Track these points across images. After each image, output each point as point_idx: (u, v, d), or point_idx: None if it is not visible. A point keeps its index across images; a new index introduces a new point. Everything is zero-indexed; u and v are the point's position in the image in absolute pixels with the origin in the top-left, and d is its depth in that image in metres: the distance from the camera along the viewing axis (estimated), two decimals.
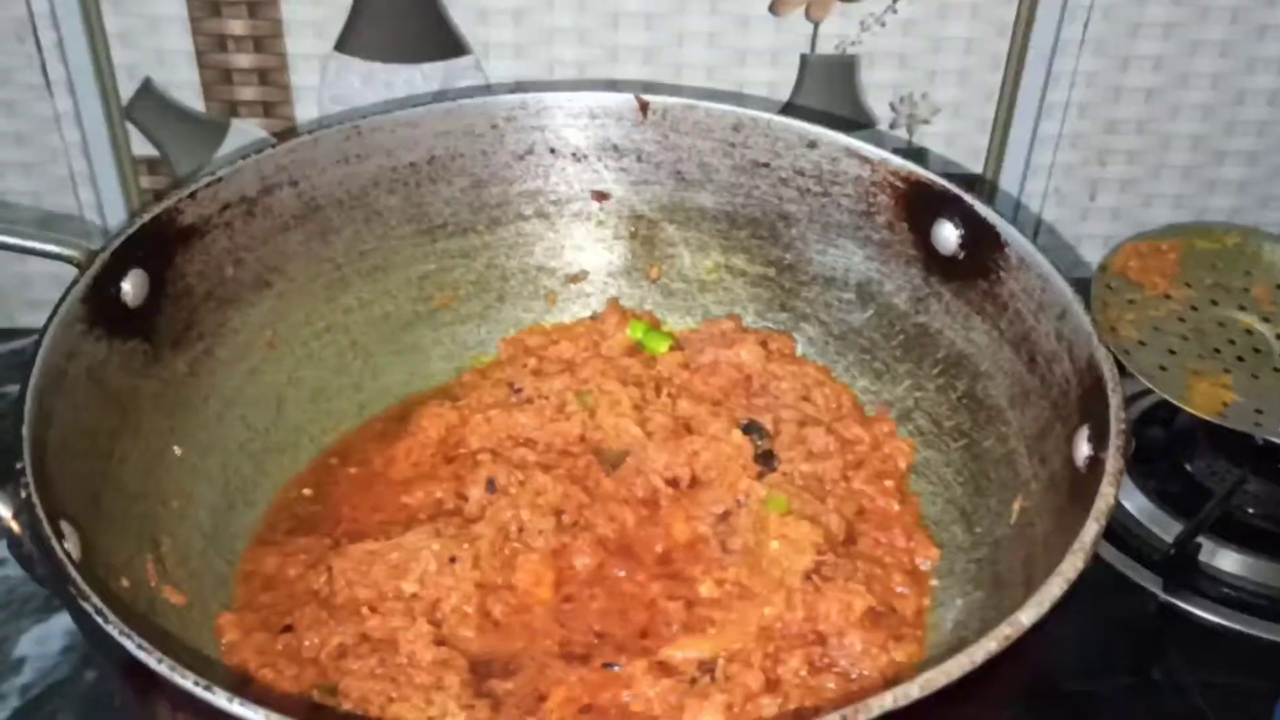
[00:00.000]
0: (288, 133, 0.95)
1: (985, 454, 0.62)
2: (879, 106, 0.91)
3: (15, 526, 0.46)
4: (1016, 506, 0.58)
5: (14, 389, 0.94)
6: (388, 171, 0.70)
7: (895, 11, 0.85)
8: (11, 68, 0.92)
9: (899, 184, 0.66)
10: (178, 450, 0.61)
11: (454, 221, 0.73)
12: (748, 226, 0.73)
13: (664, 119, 0.72)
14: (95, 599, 0.42)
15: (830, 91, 0.92)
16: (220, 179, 0.63)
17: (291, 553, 0.62)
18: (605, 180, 0.74)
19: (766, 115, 0.70)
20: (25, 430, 0.48)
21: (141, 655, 0.41)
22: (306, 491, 0.67)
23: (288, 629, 0.57)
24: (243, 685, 0.53)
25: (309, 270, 0.69)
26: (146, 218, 0.60)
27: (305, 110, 0.96)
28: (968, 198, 0.63)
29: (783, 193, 0.71)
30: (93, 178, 0.96)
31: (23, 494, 0.46)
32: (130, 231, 0.59)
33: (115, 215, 0.97)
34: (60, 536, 0.46)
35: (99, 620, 0.42)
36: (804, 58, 0.86)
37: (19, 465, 0.47)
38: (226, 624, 0.57)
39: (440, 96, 0.94)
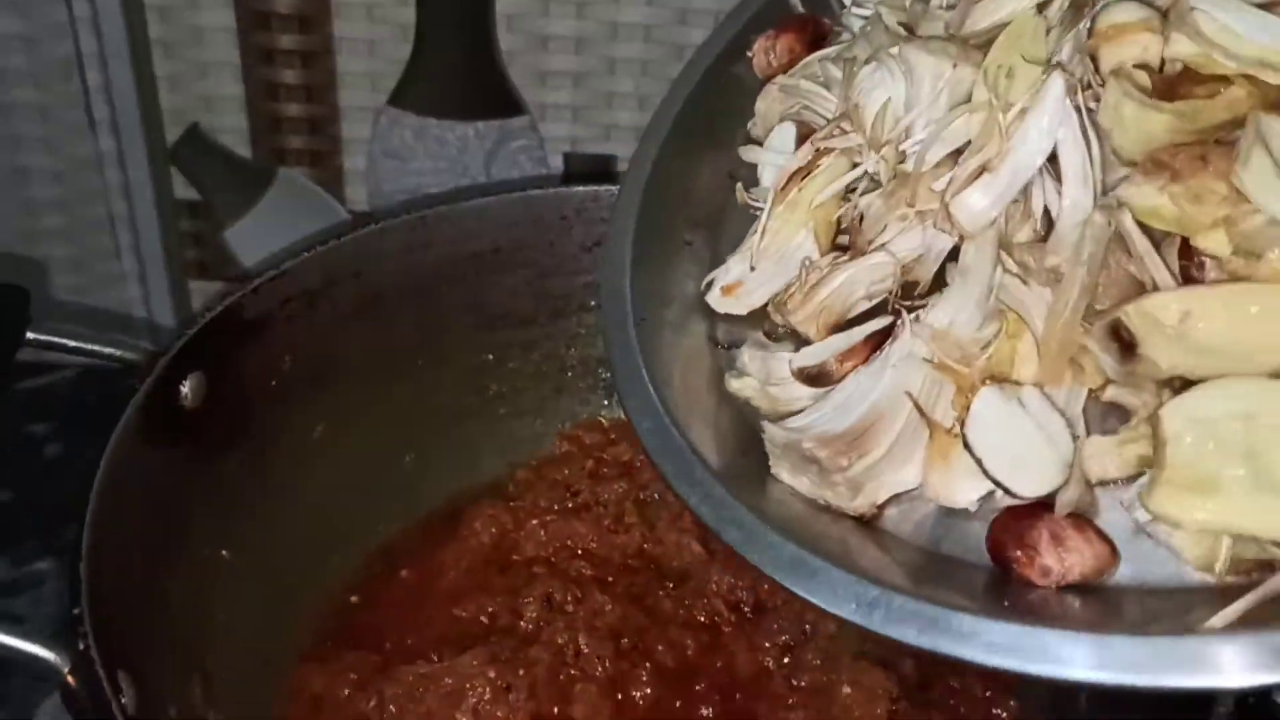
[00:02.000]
0: (332, 181, 0.93)
1: None
2: None
3: (71, 681, 0.43)
4: None
5: (39, 428, 0.94)
6: (450, 262, 0.68)
7: None
8: (53, 105, 0.90)
9: None
10: (226, 554, 0.59)
11: (515, 312, 0.70)
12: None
13: None
14: None
15: None
16: (284, 272, 0.61)
17: (339, 671, 0.59)
18: None
19: None
20: (83, 569, 0.46)
21: None
22: (354, 599, 0.64)
23: None
24: None
25: (365, 362, 0.67)
26: (209, 317, 0.57)
27: (354, 161, 0.93)
28: None
29: None
30: (132, 220, 0.93)
31: (80, 645, 0.44)
32: (192, 333, 0.56)
33: (153, 258, 0.95)
34: (119, 693, 0.43)
35: None
36: None
37: (75, 611, 0.45)
38: None
39: (492, 157, 0.91)
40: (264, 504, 0.62)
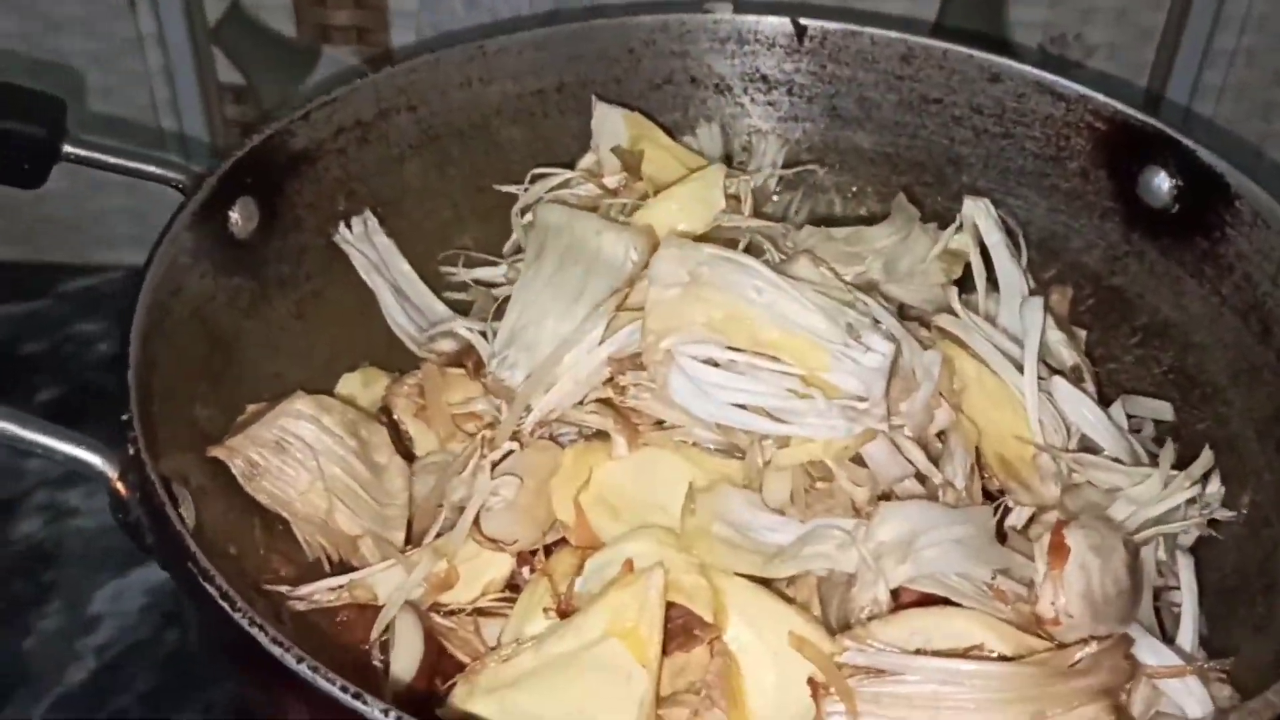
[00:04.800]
0: (382, 58, 0.89)
1: (1198, 437, 0.54)
2: (1027, 44, 0.83)
3: (121, 488, 0.39)
4: (1245, 500, 0.50)
5: (89, 327, 0.91)
6: (512, 99, 0.63)
7: None
8: None
9: (1100, 125, 0.58)
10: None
11: (581, 155, 0.65)
12: (910, 171, 0.65)
13: (822, 47, 0.64)
14: (220, 581, 0.36)
15: (975, 25, 0.84)
16: (335, 99, 0.56)
17: None
18: (750, 115, 0.67)
19: (942, 45, 0.62)
20: (130, 376, 0.42)
21: (278, 652, 0.34)
22: None
23: None
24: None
25: (423, 207, 0.62)
26: (257, 139, 0.53)
27: (401, 37, 0.89)
28: (1188, 142, 0.55)
29: (955, 133, 0.63)
30: (175, 105, 0.89)
31: (130, 450, 0.40)
32: (240, 154, 0.52)
33: (198, 147, 0.91)
34: (175, 502, 0.39)
35: (226, 608, 0.35)
36: None
37: (124, 416, 0.41)
38: None
39: (554, 18, 0.86)
40: (320, 353, 0.58)
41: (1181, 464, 0.52)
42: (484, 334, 0.54)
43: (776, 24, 0.64)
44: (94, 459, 0.40)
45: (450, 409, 0.54)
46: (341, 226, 0.58)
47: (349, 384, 0.57)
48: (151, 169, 0.51)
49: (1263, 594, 0.46)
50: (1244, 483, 0.51)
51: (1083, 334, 0.59)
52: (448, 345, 0.55)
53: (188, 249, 0.49)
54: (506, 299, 0.53)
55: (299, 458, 0.48)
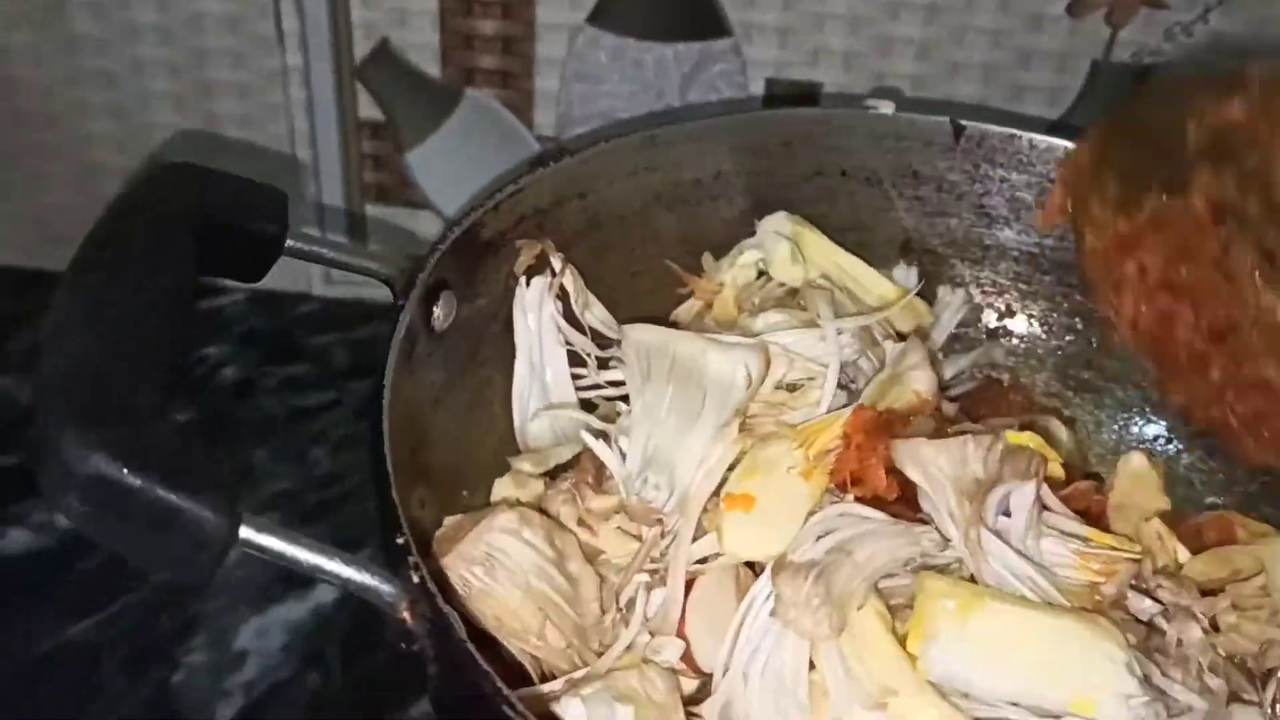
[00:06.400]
0: (521, 104, 0.90)
1: None
2: None
3: (409, 618, 0.39)
4: None
5: (215, 350, 0.93)
6: (671, 187, 0.65)
7: (1207, 21, 0.77)
8: (243, 18, 0.88)
9: None
10: (465, 494, 0.57)
11: (729, 245, 0.67)
12: (1054, 271, 0.67)
13: (978, 147, 0.66)
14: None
15: None
16: (521, 189, 0.59)
17: None
18: (895, 208, 0.69)
19: None
20: (395, 495, 0.43)
21: None
22: None
23: None
24: None
25: None
26: (458, 232, 0.55)
27: (545, 83, 0.91)
28: None
29: None
30: (313, 138, 0.92)
31: (415, 578, 0.40)
32: (443, 248, 0.54)
33: (331, 179, 0.94)
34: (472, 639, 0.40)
35: None
36: (1095, 64, 0.79)
37: (400, 539, 0.41)
38: None
39: (689, 81, 0.88)
40: (491, 441, 0.59)
41: None
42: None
43: (935, 123, 0.66)
44: (386, 588, 0.40)
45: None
46: (522, 284, 0.59)
47: (503, 488, 0.57)
48: (365, 263, 0.53)
49: None
50: None
51: None
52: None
53: (405, 350, 0.51)
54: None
55: (509, 575, 0.49)
